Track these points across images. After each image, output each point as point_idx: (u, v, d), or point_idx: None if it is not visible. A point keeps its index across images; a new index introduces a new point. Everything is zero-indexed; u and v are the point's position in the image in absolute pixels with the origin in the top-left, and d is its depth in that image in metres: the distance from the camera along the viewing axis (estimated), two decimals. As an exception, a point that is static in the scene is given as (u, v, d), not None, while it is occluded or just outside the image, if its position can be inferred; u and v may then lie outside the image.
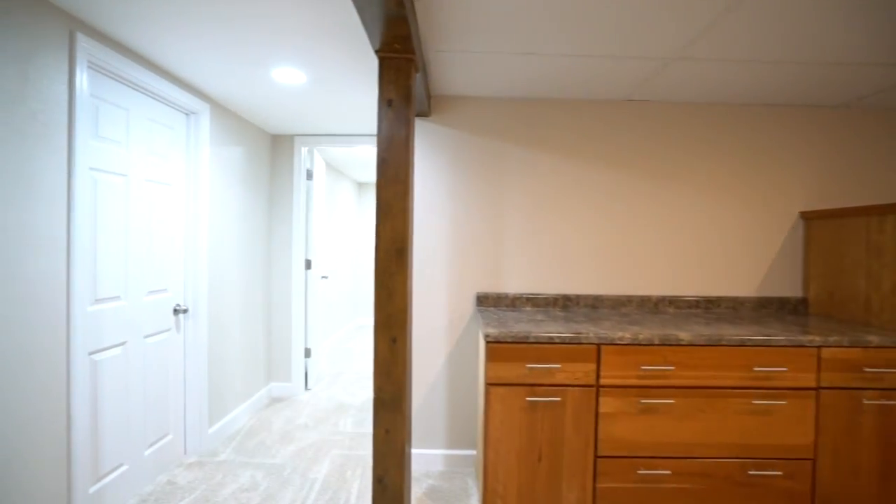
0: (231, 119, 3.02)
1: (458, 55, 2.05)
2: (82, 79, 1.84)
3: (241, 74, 2.37)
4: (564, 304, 2.58)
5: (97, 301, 1.99)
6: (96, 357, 2.00)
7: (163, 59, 2.20)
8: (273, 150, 3.71)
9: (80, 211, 1.84)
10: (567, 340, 1.91)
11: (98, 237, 1.99)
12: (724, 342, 1.90)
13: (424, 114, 2.57)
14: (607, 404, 1.93)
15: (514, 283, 2.60)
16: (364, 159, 5.10)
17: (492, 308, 2.56)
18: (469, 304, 2.61)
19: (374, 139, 3.66)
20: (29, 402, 1.65)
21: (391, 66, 1.75)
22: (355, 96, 2.70)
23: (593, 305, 2.58)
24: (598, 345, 1.93)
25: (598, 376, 1.93)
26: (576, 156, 2.59)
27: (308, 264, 3.85)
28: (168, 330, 2.49)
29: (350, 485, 2.39)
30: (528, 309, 2.55)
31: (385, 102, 1.75)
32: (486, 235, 2.60)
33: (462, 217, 2.60)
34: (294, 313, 3.73)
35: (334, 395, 3.78)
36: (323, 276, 4.38)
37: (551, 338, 1.91)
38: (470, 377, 2.62)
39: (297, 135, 3.69)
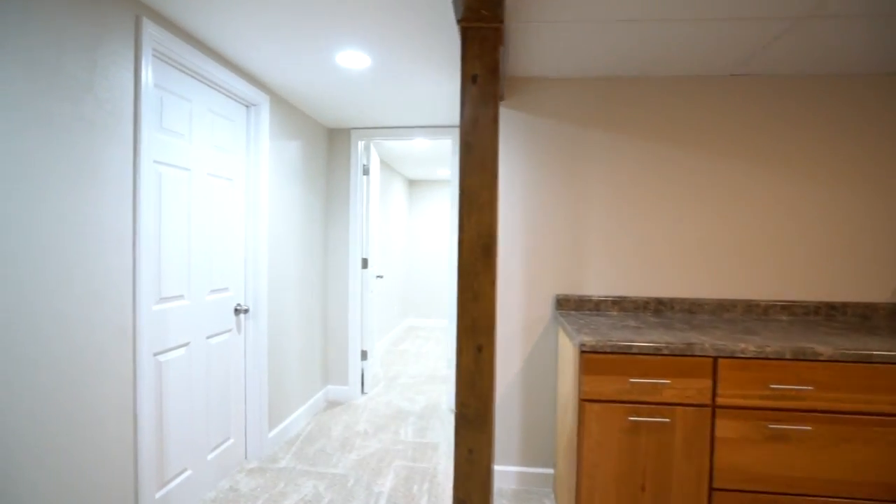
0: (289, 112, 2.92)
1: (545, 26, 1.82)
2: (148, 67, 1.74)
3: (305, 61, 2.23)
4: (656, 308, 2.29)
5: (161, 300, 1.90)
6: (161, 358, 1.90)
7: (225, 48, 2.09)
8: (329, 145, 3.60)
9: (146, 205, 1.75)
10: (677, 352, 1.64)
11: (162, 233, 1.90)
12: (875, 359, 1.57)
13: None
14: (726, 428, 1.64)
15: (597, 285, 2.34)
16: (419, 154, 4.94)
17: (573, 312, 2.30)
18: (546, 308, 2.36)
19: (431, 131, 3.48)
20: (95, 404, 1.56)
21: (476, 38, 1.54)
22: (418, 83, 2.52)
23: (690, 310, 2.27)
24: (715, 357, 1.64)
25: (714, 395, 1.65)
26: (667, 141, 2.29)
27: (364, 263, 3.71)
28: (229, 330, 2.40)
29: (418, 501, 2.21)
30: (615, 314, 2.27)
31: (469, 79, 1.55)
32: (564, 231, 2.35)
33: (538, 211, 2.36)
34: (351, 314, 3.60)
35: (392, 400, 3.62)
36: (378, 276, 4.25)
37: (658, 348, 1.64)
38: (547, 388, 2.37)
39: (354, 128, 3.56)
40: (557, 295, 2.34)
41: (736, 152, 2.25)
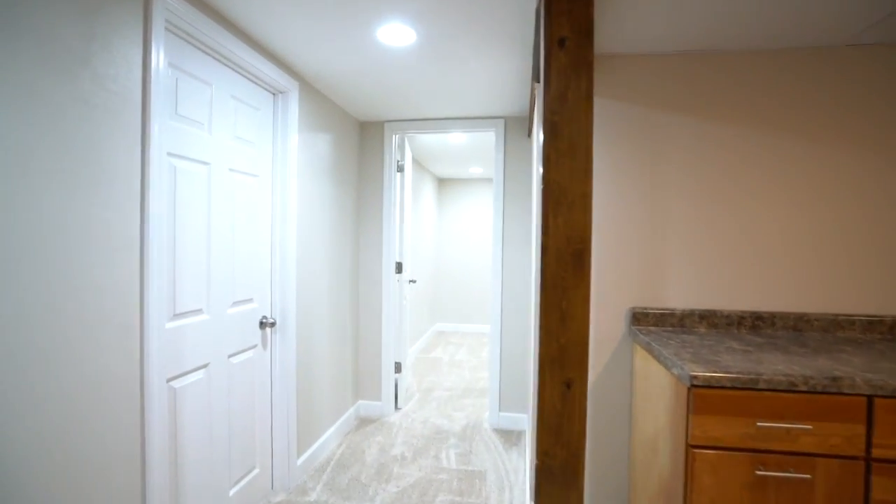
0: (320, 102, 2.63)
1: (636, -20, 1.47)
2: (159, 42, 1.47)
3: (340, 40, 1.94)
4: (753, 324, 1.91)
5: (176, 316, 1.63)
6: (176, 384, 1.63)
7: (250, 24, 1.81)
8: (361, 139, 3.31)
9: (157, 205, 1.47)
10: (818, 388, 1.27)
11: (177, 238, 1.63)
12: None
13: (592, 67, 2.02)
14: (885, 488, 1.27)
15: (680, 296, 1.97)
16: (453, 150, 4.62)
17: (653, 329, 1.95)
18: (619, 324, 2.01)
19: (473, 123, 3.15)
20: (97, 443, 1.29)
21: (563, -12, 1.21)
22: (468, 62, 2.20)
23: (795, 327, 1.89)
24: (869, 396, 1.27)
25: (868, 444, 1.28)
26: (768, 126, 1.91)
27: (399, 268, 3.42)
28: (254, 346, 2.12)
29: (471, 550, 1.88)
30: (703, 331, 1.91)
31: (555, 43, 1.22)
32: (641, 233, 1.99)
33: (607, 209, 2.01)
34: (384, 323, 3.31)
35: (428, 417, 3.31)
36: (411, 281, 3.95)
37: (793, 383, 1.28)
38: (620, 421, 2.02)
39: (388, 121, 3.27)
40: (633, 308, 1.99)
41: (860, 141, 1.86)
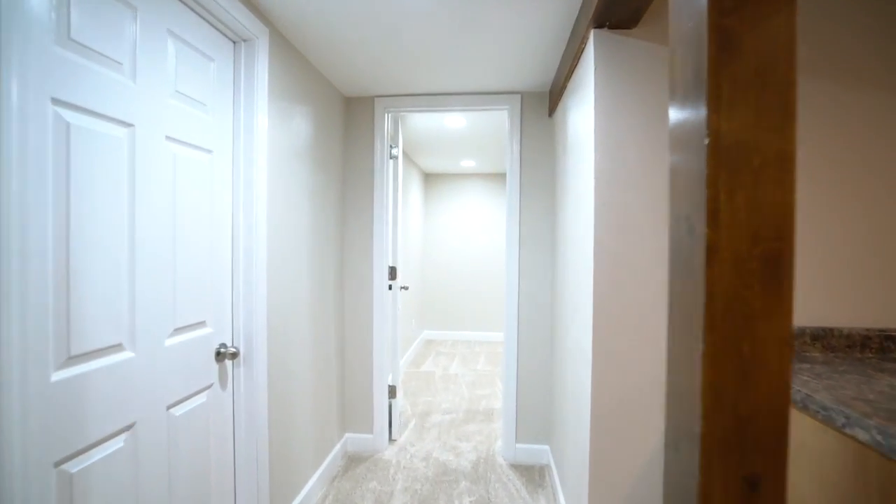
0: (297, 63, 2.06)
1: None
2: None
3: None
4: (881, 346, 1.45)
5: (72, 360, 1.04)
6: (72, 466, 1.04)
7: (194, -81, 1.23)
8: (347, 118, 2.74)
9: (24, 181, 0.89)
10: None
11: (72, 236, 1.04)
12: None
13: (626, 25, 1.52)
14: None
15: (782, 310, 1.50)
16: (450, 137, 4.08)
17: (749, 354, 1.46)
18: (703, 346, 1.52)
19: (483, 99, 2.63)
20: None
21: None
22: (491, 13, 1.67)
23: (935, 350, 1.44)
24: None
25: None
26: None
27: (392, 273, 2.86)
28: (208, 387, 1.53)
29: None
30: (819, 355, 1.44)
31: None
32: (730, 227, 1.51)
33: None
34: (376, 340, 2.75)
35: (430, 451, 2.77)
36: (403, 288, 3.40)
37: None
38: None
39: (379, 96, 2.71)
40: (720, 326, 1.50)
41: None
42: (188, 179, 1.42)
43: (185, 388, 1.41)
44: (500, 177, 5.87)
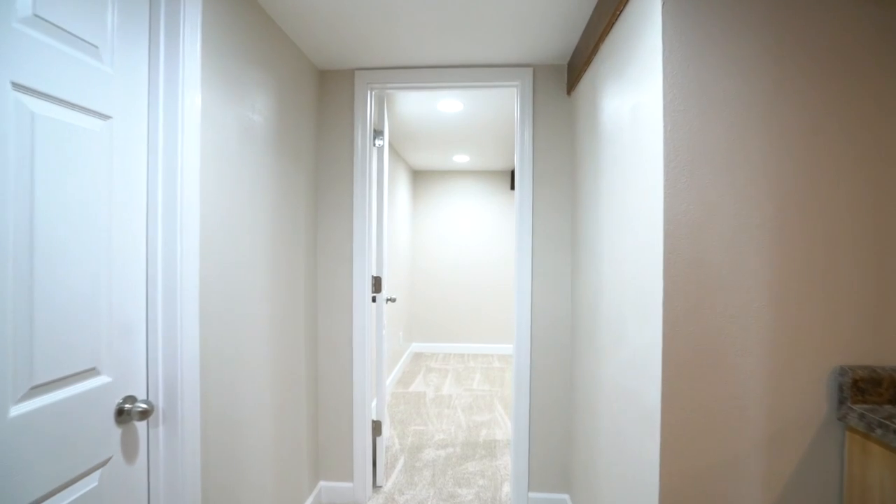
0: (250, 16, 1.57)
1: None
2: None
3: None
4: None
5: None
6: None
7: None
8: (321, 95, 2.26)
9: None
10: None
11: None
12: None
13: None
14: None
15: (926, 343, 1.06)
16: (443, 125, 3.61)
17: (889, 406, 1.03)
18: (813, 396, 1.08)
19: (487, 73, 2.17)
20: None
21: None
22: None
23: None
24: None
25: None
26: None
27: (377, 285, 2.38)
28: (103, 464, 1.04)
29: None
30: None
31: None
32: (853, 231, 1.07)
33: (792, 182, 1.08)
34: (357, 367, 2.25)
35: (423, 501, 2.28)
36: (389, 300, 2.91)
37: None
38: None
39: (360, 69, 2.23)
40: (842, 367, 1.06)
41: None
42: (62, 155, 0.92)
43: (55, 474, 0.91)
44: (496, 175, 5.42)
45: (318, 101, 2.25)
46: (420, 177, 5.50)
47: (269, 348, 1.73)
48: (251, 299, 1.59)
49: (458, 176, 5.47)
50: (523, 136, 2.16)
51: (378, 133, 2.36)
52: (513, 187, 5.36)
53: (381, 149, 2.39)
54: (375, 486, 2.39)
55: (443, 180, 5.48)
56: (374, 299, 2.39)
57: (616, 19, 1.43)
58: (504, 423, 3.26)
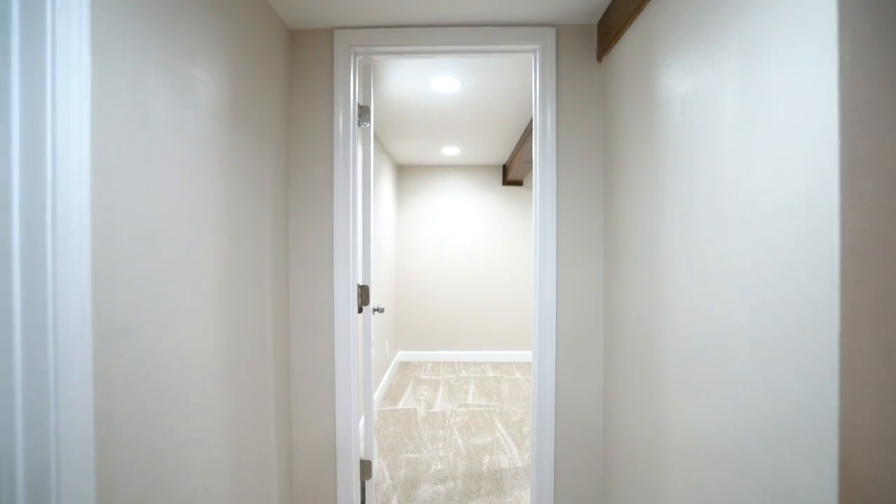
0: (188, -73, 1.12)
1: None
2: None
3: None
4: None
5: None
6: None
7: None
8: (292, 60, 1.82)
9: None
10: None
11: None
12: None
13: None
14: None
15: None
16: (437, 107, 3.20)
17: None
18: None
19: (492, 34, 1.77)
20: None
21: None
22: None
23: None
24: None
25: None
26: None
27: (363, 295, 1.95)
28: None
29: None
30: None
31: None
32: None
33: None
34: (340, 396, 1.83)
35: (424, 561, 1.87)
36: (377, 310, 2.48)
37: None
38: None
39: (341, 28, 1.80)
40: None
41: None
42: None
43: None
44: (487, 169, 5.03)
45: (290, 67, 1.81)
46: (405, 172, 5.06)
47: (223, 388, 1.29)
48: (191, 327, 1.15)
49: (446, 171, 5.05)
50: (545, 113, 1.77)
51: (364, 112, 1.93)
52: (505, 182, 4.98)
53: (367, 131, 1.96)
54: (364, 541, 1.97)
55: (430, 175, 5.05)
56: (360, 310, 1.97)
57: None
58: (508, 447, 2.88)
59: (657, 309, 1.28)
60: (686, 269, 1.12)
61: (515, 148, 3.98)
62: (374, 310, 2.49)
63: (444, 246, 5.05)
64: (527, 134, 3.39)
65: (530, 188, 5.02)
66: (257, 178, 1.52)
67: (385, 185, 4.22)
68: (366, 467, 1.96)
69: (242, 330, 1.41)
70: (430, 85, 2.58)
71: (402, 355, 5.06)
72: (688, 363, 1.11)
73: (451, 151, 4.35)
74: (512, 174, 4.66)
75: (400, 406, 3.65)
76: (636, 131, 1.43)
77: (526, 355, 5.02)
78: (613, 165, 1.65)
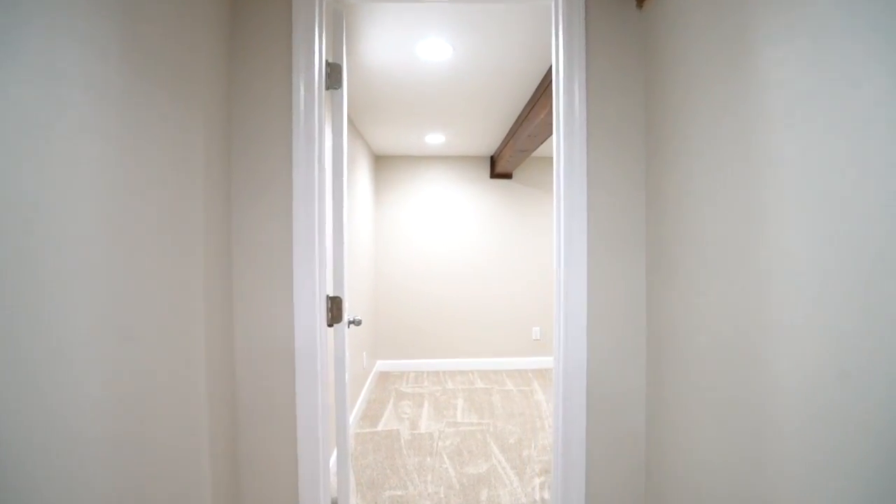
0: None
1: None
2: None
3: None
4: None
5: None
6: None
7: None
8: (234, 5, 1.37)
9: None
10: None
11: None
12: None
13: None
14: None
15: None
16: (421, 83, 2.77)
17: None
18: None
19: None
20: None
21: None
22: None
23: None
24: None
25: None
26: None
27: (335, 308, 1.52)
28: None
29: None
30: None
31: None
32: None
33: None
34: (303, 440, 1.39)
35: None
36: (352, 322, 2.04)
37: None
38: None
39: (302, -43, 1.36)
40: None
41: None
42: None
43: None
44: (474, 161, 4.63)
45: (233, 13, 1.36)
46: (384, 163, 4.62)
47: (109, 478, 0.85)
48: (55, 384, 0.70)
49: (430, 162, 4.63)
50: (571, 77, 1.37)
51: (335, 72, 1.49)
52: (493, 176, 4.59)
53: (338, 97, 1.53)
54: None
55: (411, 167, 4.62)
56: (331, 325, 1.54)
57: None
58: (508, 478, 2.49)
59: (758, 332, 0.90)
60: (820, 279, 0.74)
61: (508, 134, 3.59)
62: (350, 322, 2.07)
63: (426, 245, 4.62)
64: (523, 116, 3.00)
65: (521, 182, 4.65)
66: (179, 150, 1.07)
67: (361, 178, 3.77)
68: (339, 529, 1.54)
69: (144, 373, 0.97)
70: (415, 52, 2.15)
71: (382, 365, 4.62)
72: (816, 424, 0.73)
73: (435, 139, 3.93)
74: (500, 166, 4.27)
75: (380, 427, 3.22)
76: (710, 94, 1.05)
77: (517, 363, 4.65)
78: (663, 140, 1.26)
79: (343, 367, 1.58)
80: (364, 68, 2.35)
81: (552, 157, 4.77)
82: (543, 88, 2.48)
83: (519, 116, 3.08)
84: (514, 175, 4.63)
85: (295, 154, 1.36)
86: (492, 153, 4.47)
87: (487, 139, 3.88)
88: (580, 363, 1.39)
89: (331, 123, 1.55)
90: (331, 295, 1.52)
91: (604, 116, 1.39)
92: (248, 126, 1.37)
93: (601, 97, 1.38)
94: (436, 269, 4.62)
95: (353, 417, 3.15)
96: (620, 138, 1.39)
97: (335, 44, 1.51)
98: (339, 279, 1.55)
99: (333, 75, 1.48)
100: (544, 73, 2.42)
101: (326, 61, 1.45)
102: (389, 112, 3.12)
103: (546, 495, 2.28)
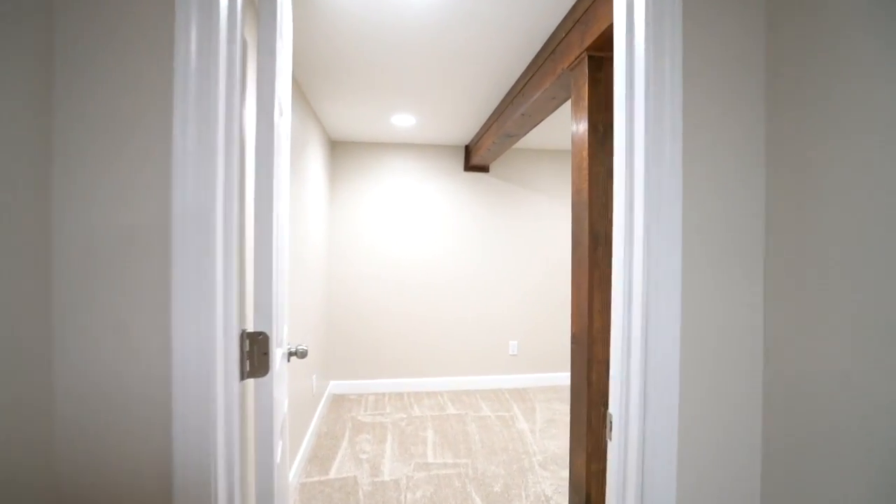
0: None
1: None
2: None
3: None
4: None
5: None
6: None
7: None
8: None
9: None
10: None
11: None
12: None
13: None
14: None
15: None
16: (397, 41, 2.18)
17: None
18: None
19: None
20: None
21: None
22: None
23: None
24: None
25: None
26: None
27: (256, 350, 0.90)
28: None
29: None
30: None
31: None
32: None
33: None
34: None
35: None
36: (293, 354, 1.42)
37: None
38: None
39: None
40: None
41: None
42: None
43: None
44: (447, 151, 4.06)
45: None
46: (342, 150, 3.96)
47: None
48: None
49: (396, 150, 4.02)
50: (646, 23, 0.83)
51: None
52: (467, 168, 4.04)
53: (271, 52, 0.92)
54: None
55: (374, 155, 3.99)
56: (245, 376, 0.92)
57: None
58: (498, 547, 1.93)
59: None
60: None
61: (493, 115, 3.06)
62: (291, 355, 1.47)
63: (389, 246, 4.01)
64: (517, 90, 2.47)
65: (498, 176, 4.13)
66: None
67: (313, 164, 3.12)
68: None
69: None
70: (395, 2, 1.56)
71: (336, 387, 3.95)
72: None
73: (404, 122, 3.33)
74: (477, 158, 3.74)
75: (333, 474, 2.58)
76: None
77: (492, 381, 4.11)
78: (802, 94, 0.75)
79: (272, 439, 0.97)
80: (319, 9, 1.73)
81: (534, 150, 4.26)
82: (550, 51, 1.96)
83: (511, 90, 2.54)
84: (490, 168, 4.11)
85: (176, 72, 0.74)
86: (467, 142, 3.93)
87: (466, 122, 3.33)
88: (668, 463, 0.84)
89: (255, 39, 0.95)
90: (250, 330, 0.90)
91: (696, 60, 0.86)
92: (89, 26, 0.74)
93: (702, 30, 0.85)
94: (399, 273, 4.01)
95: (297, 462, 2.49)
96: (732, 77, 0.86)
97: None
98: (264, 299, 0.93)
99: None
100: (552, 29, 1.89)
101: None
102: (351, 78, 2.50)
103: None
